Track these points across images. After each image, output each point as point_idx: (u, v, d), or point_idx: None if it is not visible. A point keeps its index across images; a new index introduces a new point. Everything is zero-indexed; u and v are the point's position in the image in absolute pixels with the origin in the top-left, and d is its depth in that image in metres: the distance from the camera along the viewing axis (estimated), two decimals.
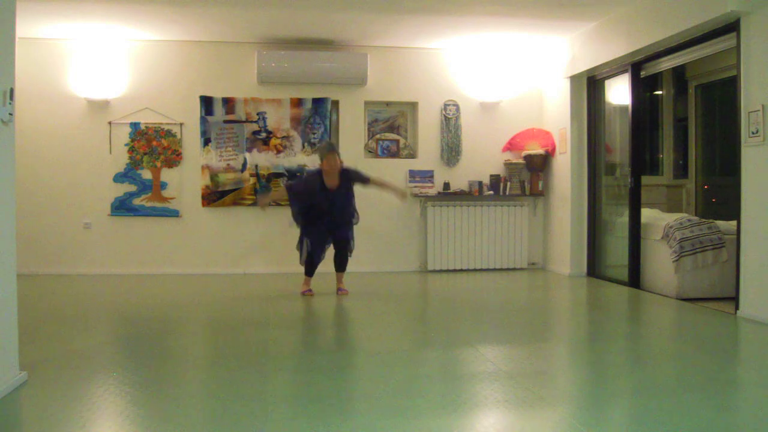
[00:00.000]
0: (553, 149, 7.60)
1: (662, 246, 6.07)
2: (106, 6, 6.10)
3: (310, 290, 5.92)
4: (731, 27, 5.04)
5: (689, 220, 6.04)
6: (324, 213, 5.77)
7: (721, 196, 8.04)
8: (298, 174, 7.32)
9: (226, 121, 7.33)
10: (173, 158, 7.34)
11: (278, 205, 7.37)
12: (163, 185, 7.34)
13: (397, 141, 7.83)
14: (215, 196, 7.35)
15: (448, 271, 7.59)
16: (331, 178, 5.73)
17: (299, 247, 5.95)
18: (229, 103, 7.32)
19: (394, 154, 7.78)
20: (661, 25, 5.61)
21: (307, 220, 5.86)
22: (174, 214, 7.36)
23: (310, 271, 5.94)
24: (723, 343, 4.46)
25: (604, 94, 7.10)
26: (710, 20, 5.05)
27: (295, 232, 6.70)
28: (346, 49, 7.49)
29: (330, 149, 5.79)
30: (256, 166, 7.37)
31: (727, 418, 2.89)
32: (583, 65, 6.89)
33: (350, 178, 5.85)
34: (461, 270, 7.62)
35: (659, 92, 8.68)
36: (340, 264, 6.04)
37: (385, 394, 3.19)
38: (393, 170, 7.62)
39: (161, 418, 2.85)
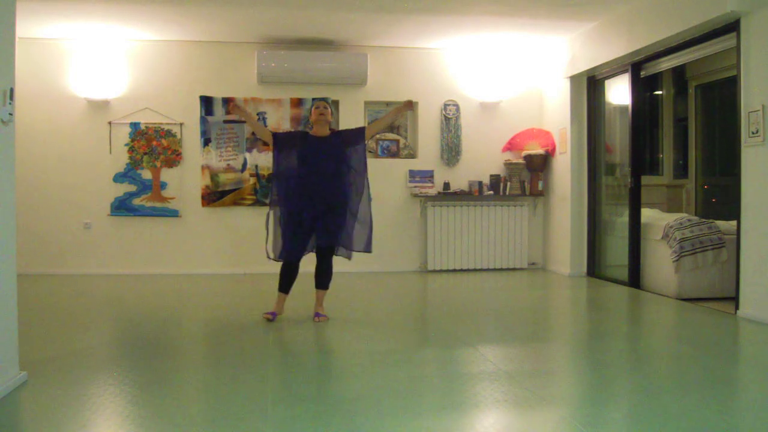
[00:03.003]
0: (553, 149, 7.60)
1: (662, 246, 6.07)
2: (106, 6, 6.10)
3: (273, 313, 4.71)
4: (731, 27, 5.04)
5: (689, 220, 6.04)
6: (311, 177, 4.65)
7: (721, 196, 8.04)
8: None
9: (226, 121, 7.33)
10: (173, 158, 7.34)
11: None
12: (163, 185, 7.34)
13: (397, 141, 7.83)
14: (215, 196, 7.35)
15: (448, 271, 7.59)
16: (320, 133, 4.77)
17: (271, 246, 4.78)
18: (229, 103, 7.31)
19: (394, 154, 7.78)
20: (661, 25, 5.61)
21: (288, 210, 4.69)
22: (174, 214, 7.36)
23: (284, 285, 4.73)
24: (723, 343, 4.46)
25: (604, 94, 7.10)
26: (710, 20, 5.06)
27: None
28: (346, 49, 7.50)
29: (320, 98, 5.45)
30: (256, 166, 7.36)
31: (727, 418, 2.88)
32: (583, 65, 6.89)
33: (343, 140, 4.78)
34: (461, 270, 7.62)
35: (659, 92, 8.68)
36: (320, 278, 4.82)
37: (385, 394, 3.19)
38: (393, 170, 7.63)
39: (161, 418, 2.85)
